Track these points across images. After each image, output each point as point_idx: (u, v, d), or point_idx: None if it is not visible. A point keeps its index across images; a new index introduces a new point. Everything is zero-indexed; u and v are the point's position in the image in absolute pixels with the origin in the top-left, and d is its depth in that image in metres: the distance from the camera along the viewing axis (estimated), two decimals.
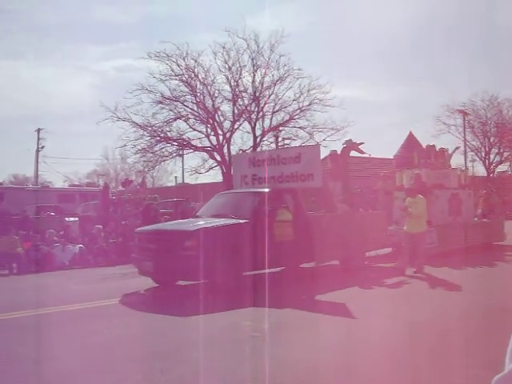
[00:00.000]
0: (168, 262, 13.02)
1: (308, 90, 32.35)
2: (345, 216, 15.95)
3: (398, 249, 16.60)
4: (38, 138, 49.13)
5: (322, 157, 16.37)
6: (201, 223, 13.78)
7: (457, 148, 22.51)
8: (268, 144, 32.84)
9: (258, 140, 32.93)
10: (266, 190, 15.26)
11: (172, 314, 10.92)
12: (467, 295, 12.25)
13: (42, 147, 48.54)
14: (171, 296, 13.29)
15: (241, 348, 8.30)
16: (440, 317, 10.13)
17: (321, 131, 32.35)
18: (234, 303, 11.41)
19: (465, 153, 49.61)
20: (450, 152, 21.63)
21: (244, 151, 32.10)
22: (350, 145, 17.18)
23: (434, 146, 20.73)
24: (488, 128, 49.57)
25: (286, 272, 14.97)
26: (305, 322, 10.09)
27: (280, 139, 32.96)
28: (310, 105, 32.62)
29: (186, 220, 15.99)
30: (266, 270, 14.20)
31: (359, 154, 18.06)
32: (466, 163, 49.44)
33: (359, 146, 17.18)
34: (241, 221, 13.79)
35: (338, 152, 18.22)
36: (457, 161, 47.37)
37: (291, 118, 33.08)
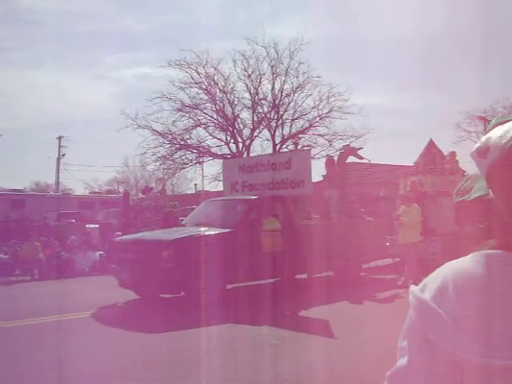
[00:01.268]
0: (145, 273, 11.75)
1: (327, 98, 31.29)
2: (339, 225, 14.35)
3: (400, 261, 14.96)
4: (59, 146, 48.10)
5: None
6: (180, 233, 12.44)
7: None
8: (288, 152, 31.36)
9: (278, 147, 31.80)
10: (254, 197, 13.84)
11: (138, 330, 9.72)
12: None
13: (63, 155, 47.47)
14: (147, 309, 11.93)
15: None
16: None
17: (340, 138, 31.09)
18: (210, 319, 10.00)
19: None
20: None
21: None
22: (348, 150, 15.61)
23: (440, 151, 18.91)
24: None
25: (274, 284, 13.57)
26: (278, 343, 8.82)
27: (299, 147, 31.50)
28: (329, 112, 31.59)
29: (168, 229, 14.69)
30: (251, 283, 12.97)
31: (358, 160, 16.46)
32: None
33: (358, 152, 15.60)
34: (224, 230, 12.42)
35: (335, 158, 16.69)
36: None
37: (311, 126, 32.08)
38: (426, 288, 1.30)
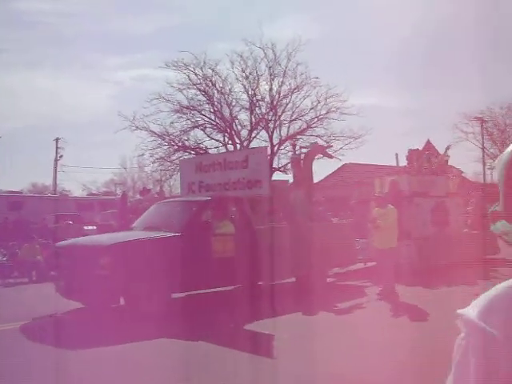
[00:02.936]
0: (79, 281, 10.22)
1: (325, 99, 30.08)
2: (302, 228, 12.63)
3: (373, 267, 13.19)
4: (57, 148, 46.44)
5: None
6: (120, 237, 10.93)
7: (447, 148, 18.72)
8: (285, 153, 29.98)
9: (276, 149, 30.47)
10: (205, 199, 12.26)
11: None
12: (428, 326, 9.08)
13: (61, 156, 45.72)
14: (83, 320, 10.42)
15: None
16: (372, 359, 7.15)
17: (338, 139, 29.55)
18: (144, 332, 8.70)
19: (483, 160, 44.81)
20: (443, 152, 18.11)
21: None
22: (316, 148, 13.93)
23: (417, 149, 17.01)
24: (506, 135, 44.75)
25: (230, 293, 11.97)
26: (205, 361, 7.61)
27: (297, 148, 29.91)
28: (327, 113, 30.40)
29: (109, 234, 13.21)
30: (201, 291, 11.54)
31: (328, 159, 14.76)
32: (484, 171, 44.77)
33: (326, 150, 13.89)
34: (170, 234, 10.86)
35: (301, 156, 14.94)
36: (474, 168, 43.19)
37: (308, 127, 30.81)
38: (492, 317, 1.09)
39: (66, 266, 10.79)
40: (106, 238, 11.36)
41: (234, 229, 11.65)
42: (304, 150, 28.91)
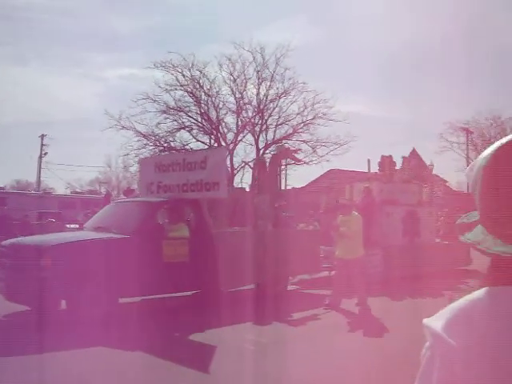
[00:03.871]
0: (20, 283, 9.45)
1: (312, 104, 29.69)
2: (263, 234, 11.83)
3: (331, 278, 12.27)
4: (42, 144, 45.04)
5: None
6: (65, 237, 10.19)
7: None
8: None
9: (261, 152, 29.73)
10: (159, 200, 11.49)
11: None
12: (380, 342, 8.37)
13: (45, 153, 44.49)
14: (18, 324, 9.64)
15: None
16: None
17: (324, 145, 29.06)
18: (82, 339, 7.86)
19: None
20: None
21: (247, 163, 28.89)
22: (283, 151, 13.11)
23: (390, 156, 16.12)
24: None
25: (183, 299, 11.24)
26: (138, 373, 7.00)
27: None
28: (313, 119, 30.00)
29: (56, 233, 12.46)
30: (156, 296, 10.75)
31: (297, 163, 13.97)
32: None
33: (294, 154, 13.08)
34: (118, 236, 10.09)
35: (267, 159, 14.13)
36: (458, 178, 42.60)
37: (295, 132, 30.45)
38: (454, 329, 1.07)
39: (8, 266, 10.01)
40: (50, 238, 10.59)
41: (189, 232, 10.88)
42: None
